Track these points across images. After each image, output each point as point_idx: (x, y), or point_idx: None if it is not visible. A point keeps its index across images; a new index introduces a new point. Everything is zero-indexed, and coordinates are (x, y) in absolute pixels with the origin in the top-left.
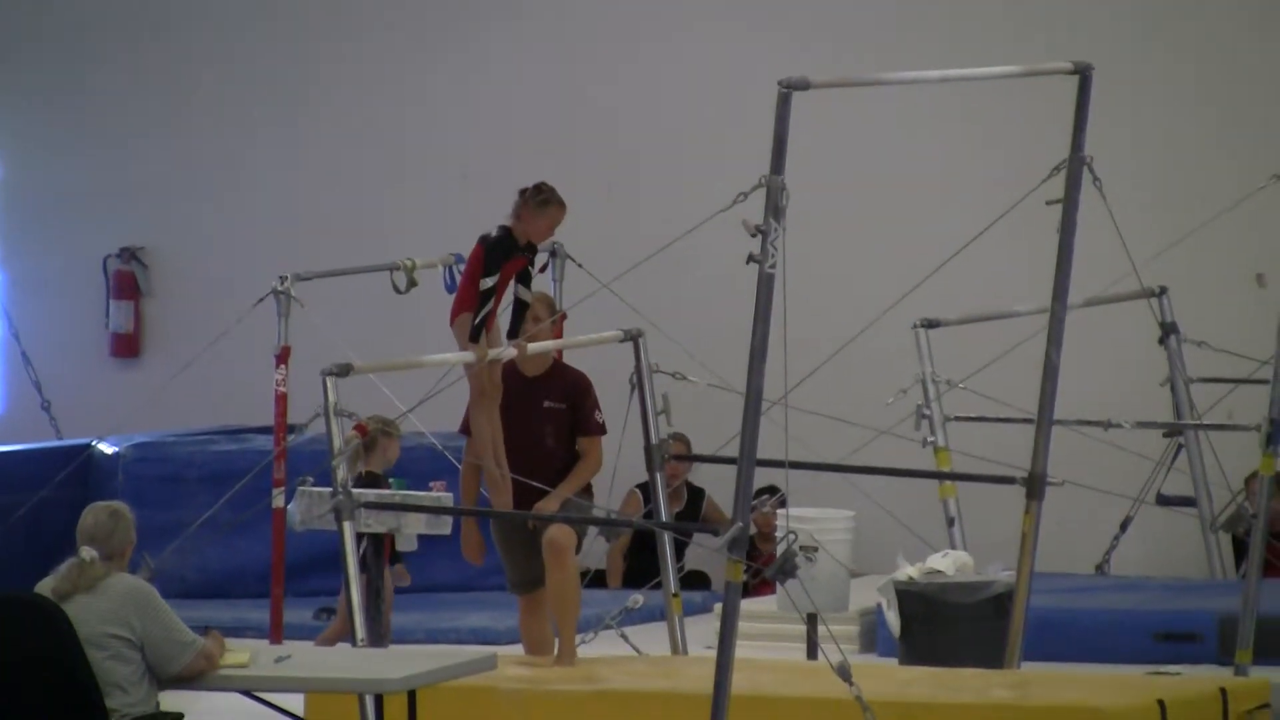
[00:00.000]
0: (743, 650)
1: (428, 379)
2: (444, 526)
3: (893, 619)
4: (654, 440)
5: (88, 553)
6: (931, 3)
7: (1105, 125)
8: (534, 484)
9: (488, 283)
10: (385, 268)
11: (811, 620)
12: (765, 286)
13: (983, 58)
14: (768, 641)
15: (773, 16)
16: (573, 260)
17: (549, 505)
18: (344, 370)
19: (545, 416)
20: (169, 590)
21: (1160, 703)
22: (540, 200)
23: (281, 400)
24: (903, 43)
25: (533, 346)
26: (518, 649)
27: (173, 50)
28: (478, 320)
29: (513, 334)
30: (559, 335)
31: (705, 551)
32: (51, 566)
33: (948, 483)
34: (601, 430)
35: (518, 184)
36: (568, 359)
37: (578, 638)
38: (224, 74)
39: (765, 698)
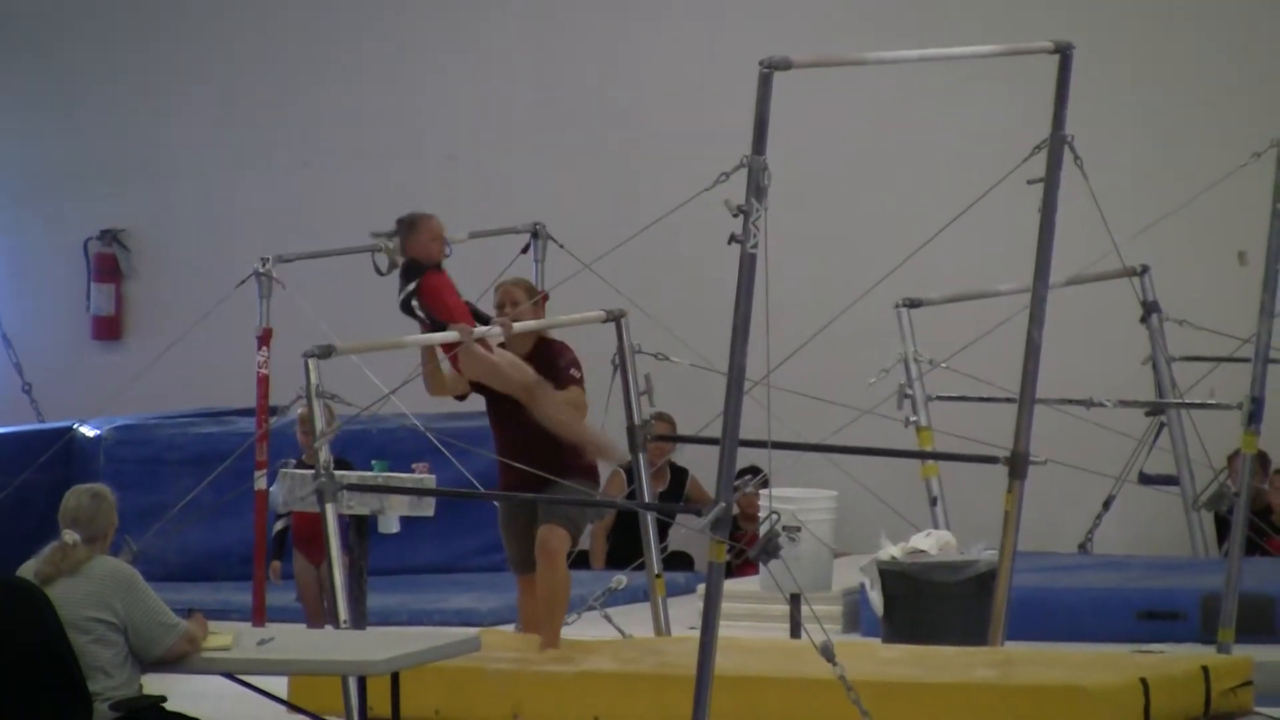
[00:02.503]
0: (726, 630)
1: (410, 360)
2: (427, 508)
3: (876, 598)
4: (637, 421)
5: (70, 536)
6: None
7: (1086, 104)
8: (525, 468)
9: (417, 310)
10: (367, 249)
11: (795, 600)
12: (747, 267)
13: (966, 37)
14: (751, 621)
15: None
16: (554, 241)
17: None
18: (326, 352)
19: None
20: (151, 573)
21: (1143, 681)
22: (407, 230)
23: (263, 382)
24: (886, 21)
25: (516, 326)
26: (502, 630)
27: (154, 33)
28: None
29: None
30: (541, 316)
31: (688, 532)
32: (34, 550)
33: (930, 462)
34: (573, 382)
35: (503, 166)
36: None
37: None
38: (205, 57)
39: (749, 678)
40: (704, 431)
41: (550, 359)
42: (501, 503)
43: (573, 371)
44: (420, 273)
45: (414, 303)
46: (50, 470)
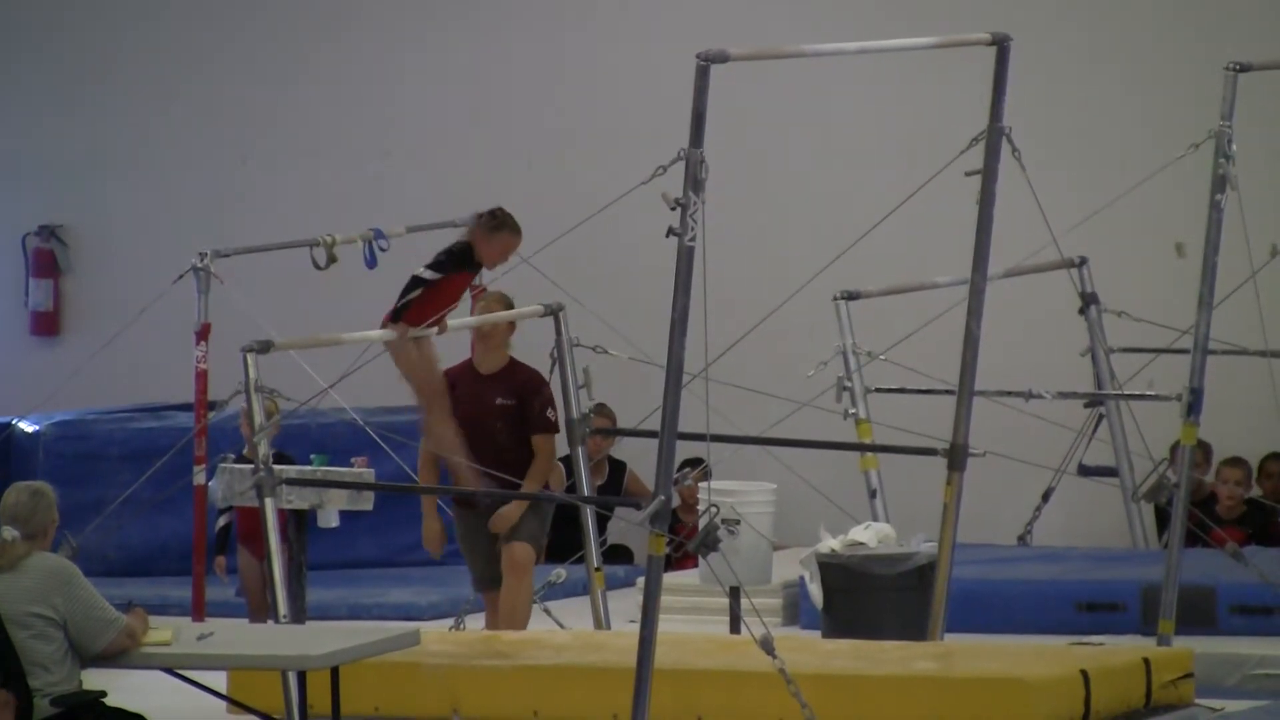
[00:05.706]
0: (665, 624)
1: (348, 355)
2: (365, 503)
3: (815, 591)
4: (575, 414)
5: (9, 532)
6: None
7: (1024, 96)
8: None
9: (426, 274)
10: (305, 244)
11: (734, 593)
12: (685, 259)
13: (904, 28)
14: (690, 615)
15: None
16: None
17: (511, 513)
18: (264, 347)
19: (497, 414)
20: (91, 568)
21: (1084, 673)
22: (492, 226)
23: (202, 377)
24: (826, 13)
25: (454, 324)
26: (441, 624)
27: (90, 27)
28: (400, 303)
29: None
30: (507, 341)
31: (627, 525)
32: None
33: (869, 454)
34: (552, 428)
35: (439, 159)
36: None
37: None
38: (141, 50)
39: (688, 671)
40: (643, 425)
41: (526, 392)
42: (456, 516)
43: (549, 414)
44: (456, 267)
45: (426, 272)
46: None
